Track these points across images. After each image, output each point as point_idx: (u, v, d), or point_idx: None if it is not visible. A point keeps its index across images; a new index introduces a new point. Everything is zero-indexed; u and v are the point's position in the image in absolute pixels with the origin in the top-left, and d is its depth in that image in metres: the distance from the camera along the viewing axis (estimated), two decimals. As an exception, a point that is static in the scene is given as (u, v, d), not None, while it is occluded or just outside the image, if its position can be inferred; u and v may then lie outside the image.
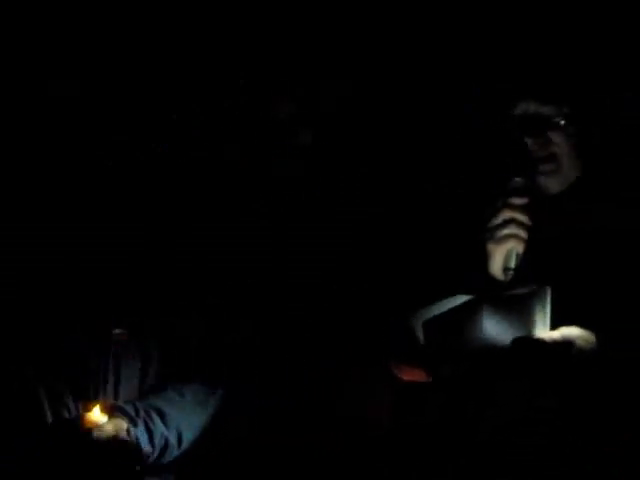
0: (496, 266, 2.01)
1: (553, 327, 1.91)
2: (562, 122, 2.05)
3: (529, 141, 2.06)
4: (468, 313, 1.91)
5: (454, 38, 2.60)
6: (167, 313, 2.43)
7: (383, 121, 2.70)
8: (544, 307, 1.91)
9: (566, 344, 1.87)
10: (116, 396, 2.30)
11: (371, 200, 2.58)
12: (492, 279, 2.01)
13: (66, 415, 2.26)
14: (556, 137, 2.05)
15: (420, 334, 1.92)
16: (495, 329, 1.90)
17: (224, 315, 2.47)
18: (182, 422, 2.29)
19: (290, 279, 2.51)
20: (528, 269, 2.00)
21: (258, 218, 2.58)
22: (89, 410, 2.21)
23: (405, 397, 2.11)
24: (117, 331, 2.32)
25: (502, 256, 2.00)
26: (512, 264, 1.99)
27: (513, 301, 1.92)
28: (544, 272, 1.98)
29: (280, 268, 2.53)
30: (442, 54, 2.62)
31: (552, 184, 2.08)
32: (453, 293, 1.96)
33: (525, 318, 1.90)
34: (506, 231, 1.98)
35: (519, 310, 1.90)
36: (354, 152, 2.64)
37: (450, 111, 2.60)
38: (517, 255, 1.99)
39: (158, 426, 2.25)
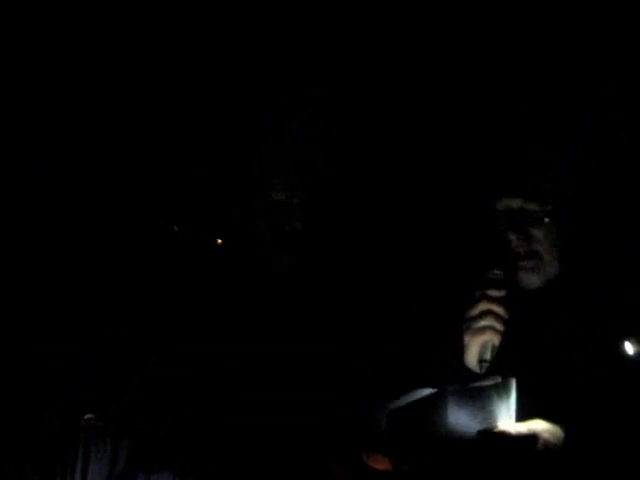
0: (472, 357, 2.04)
1: (519, 420, 1.92)
2: (546, 219, 2.07)
3: (512, 236, 2.08)
4: (432, 405, 1.93)
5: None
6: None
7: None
8: (509, 399, 1.93)
9: (531, 437, 1.89)
10: (84, 484, 2.26)
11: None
12: (466, 369, 2.04)
13: (31, 502, 2.23)
14: (539, 234, 2.08)
15: (384, 426, 1.97)
16: (460, 421, 1.92)
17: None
18: None
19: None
20: (497, 360, 2.02)
21: None
22: (55, 499, 2.19)
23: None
24: (88, 416, 2.29)
25: (478, 347, 2.02)
26: (488, 356, 2.01)
27: (478, 393, 1.93)
28: (512, 364, 2.01)
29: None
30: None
31: (531, 279, 2.10)
32: (426, 383, 1.99)
33: (490, 410, 1.92)
34: (483, 323, 2.02)
35: (484, 402, 1.92)
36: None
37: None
38: (493, 347, 2.01)
39: None
